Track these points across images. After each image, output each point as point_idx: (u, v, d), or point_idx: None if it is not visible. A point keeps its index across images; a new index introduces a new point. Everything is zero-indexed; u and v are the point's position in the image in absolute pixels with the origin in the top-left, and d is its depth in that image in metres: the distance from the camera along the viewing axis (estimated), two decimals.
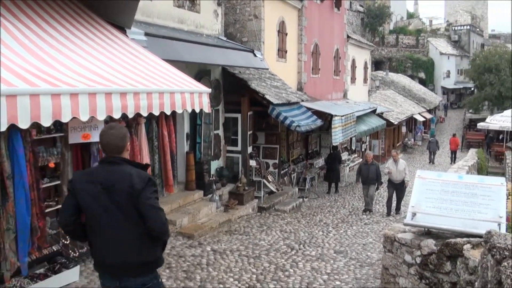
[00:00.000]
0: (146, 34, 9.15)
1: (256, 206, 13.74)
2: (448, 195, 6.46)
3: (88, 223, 3.85)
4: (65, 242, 7.69)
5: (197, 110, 6.32)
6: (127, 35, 7.46)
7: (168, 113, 5.84)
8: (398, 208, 15.02)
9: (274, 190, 15.30)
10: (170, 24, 11.62)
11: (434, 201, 6.44)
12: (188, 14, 12.47)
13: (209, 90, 6.66)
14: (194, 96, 6.18)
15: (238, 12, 16.06)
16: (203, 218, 11.42)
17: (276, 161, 16.50)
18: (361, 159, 23.94)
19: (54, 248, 7.38)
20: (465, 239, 5.58)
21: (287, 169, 17.80)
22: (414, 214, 6.41)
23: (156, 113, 5.54)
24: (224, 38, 14.25)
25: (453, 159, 30.80)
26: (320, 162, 21.29)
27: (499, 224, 5.84)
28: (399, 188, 14.79)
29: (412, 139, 39.75)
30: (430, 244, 5.97)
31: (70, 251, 7.71)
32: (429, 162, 31.32)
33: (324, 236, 11.49)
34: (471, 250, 5.25)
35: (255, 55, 14.38)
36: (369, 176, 15.11)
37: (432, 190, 6.61)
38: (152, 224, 3.66)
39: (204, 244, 9.76)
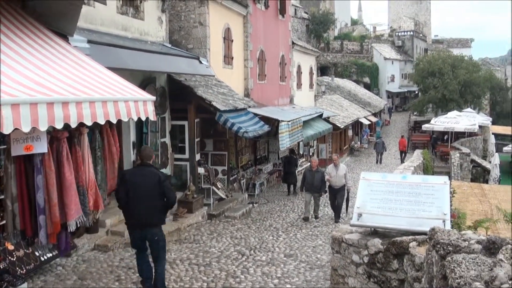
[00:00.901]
0: (89, 42, 8.98)
1: (205, 213, 13.66)
2: (392, 195, 6.60)
3: (131, 197, 6.82)
4: (12, 259, 7.44)
5: (143, 118, 6.24)
6: (69, 43, 7.29)
7: (114, 121, 5.74)
8: (338, 215, 14.32)
9: (223, 196, 15.26)
10: (114, 32, 11.45)
11: (379, 202, 6.57)
12: (132, 21, 12.33)
13: (154, 97, 6.59)
14: (138, 104, 6.10)
15: (183, 19, 15.97)
16: None
17: (225, 168, 16.49)
18: (308, 163, 24.18)
19: (1, 266, 7.15)
20: (410, 237, 5.72)
21: (236, 175, 17.81)
22: (360, 215, 6.52)
23: (102, 122, 5.42)
24: (169, 45, 14.15)
25: (402, 159, 31.59)
26: (269, 167, 21.39)
27: (443, 221, 6.01)
28: (338, 194, 14.27)
29: (359, 142, 40.51)
30: (376, 243, 6.09)
31: (17, 269, 7.46)
32: (376, 163, 32.01)
33: (274, 240, 11.55)
34: (417, 247, 5.38)
35: (200, 62, 14.32)
36: (314, 184, 14.49)
37: (377, 191, 6.74)
38: (168, 198, 7.01)
39: None
